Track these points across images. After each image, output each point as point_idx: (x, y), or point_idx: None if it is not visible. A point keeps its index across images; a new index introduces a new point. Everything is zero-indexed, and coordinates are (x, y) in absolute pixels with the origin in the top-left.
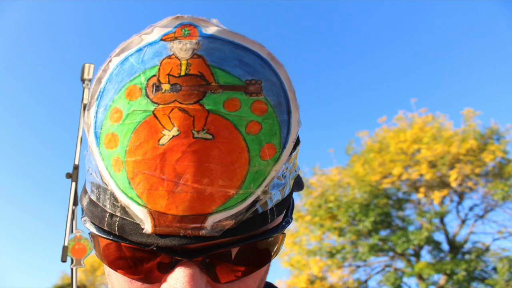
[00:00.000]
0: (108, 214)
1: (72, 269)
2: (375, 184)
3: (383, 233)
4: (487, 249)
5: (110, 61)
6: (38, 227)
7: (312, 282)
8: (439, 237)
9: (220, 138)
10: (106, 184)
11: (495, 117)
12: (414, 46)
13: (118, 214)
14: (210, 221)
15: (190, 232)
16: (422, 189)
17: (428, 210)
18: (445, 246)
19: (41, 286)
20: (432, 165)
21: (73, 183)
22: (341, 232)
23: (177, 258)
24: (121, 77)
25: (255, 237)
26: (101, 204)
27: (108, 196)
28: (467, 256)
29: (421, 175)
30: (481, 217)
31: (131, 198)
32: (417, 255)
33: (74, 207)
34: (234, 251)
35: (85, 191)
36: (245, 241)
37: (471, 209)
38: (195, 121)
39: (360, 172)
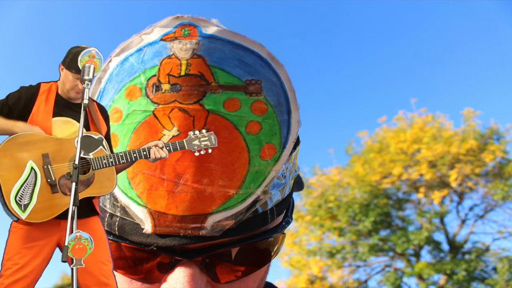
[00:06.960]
0: (108, 214)
1: (72, 269)
2: (375, 184)
3: (383, 233)
4: (487, 249)
5: (110, 61)
6: None
7: (312, 282)
8: (439, 237)
9: (220, 138)
10: None
11: (495, 117)
12: (414, 46)
13: (118, 214)
14: (210, 221)
15: (190, 232)
16: (422, 189)
17: (428, 210)
18: (445, 246)
19: (41, 286)
20: (432, 165)
21: (73, 183)
22: (341, 232)
23: (177, 258)
24: (121, 77)
25: (255, 237)
26: (101, 204)
27: (108, 196)
28: (467, 256)
29: (421, 175)
30: (481, 217)
31: (131, 198)
32: (417, 255)
33: (74, 207)
34: (234, 251)
35: None
36: (245, 241)
37: (471, 209)
38: (195, 121)
39: (360, 172)
